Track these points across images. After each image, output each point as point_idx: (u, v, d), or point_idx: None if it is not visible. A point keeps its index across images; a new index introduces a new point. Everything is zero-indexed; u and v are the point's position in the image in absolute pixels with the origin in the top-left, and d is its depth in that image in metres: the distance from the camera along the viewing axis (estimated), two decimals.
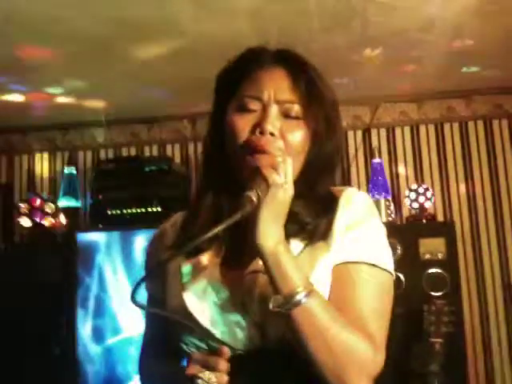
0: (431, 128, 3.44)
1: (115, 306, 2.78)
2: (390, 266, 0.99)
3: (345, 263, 0.95)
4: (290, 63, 1.02)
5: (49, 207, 2.96)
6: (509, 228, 3.25)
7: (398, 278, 2.65)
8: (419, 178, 3.35)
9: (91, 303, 2.80)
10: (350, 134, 3.48)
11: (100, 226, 2.94)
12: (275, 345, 0.93)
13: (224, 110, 1.02)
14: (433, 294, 2.57)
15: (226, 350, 0.90)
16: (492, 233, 3.26)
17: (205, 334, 0.96)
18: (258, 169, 0.89)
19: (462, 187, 3.33)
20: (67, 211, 3.07)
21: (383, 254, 0.98)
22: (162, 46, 2.64)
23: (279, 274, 0.87)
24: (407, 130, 3.46)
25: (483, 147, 3.37)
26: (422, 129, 3.44)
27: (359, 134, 3.47)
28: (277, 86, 0.99)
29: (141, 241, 2.81)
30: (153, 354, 1.14)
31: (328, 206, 0.99)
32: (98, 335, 2.78)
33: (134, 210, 2.91)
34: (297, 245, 0.97)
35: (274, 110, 0.97)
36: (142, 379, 1.16)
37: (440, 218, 3.20)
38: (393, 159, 3.42)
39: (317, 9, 2.32)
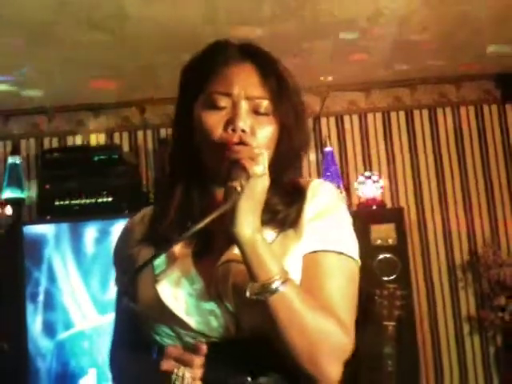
0: (379, 116, 3.52)
1: (66, 300, 2.72)
2: (356, 254, 1.03)
3: (314, 252, 0.98)
4: (258, 58, 1.01)
5: None
6: (453, 213, 3.39)
7: None
8: (367, 165, 3.43)
9: (41, 297, 2.72)
10: None
11: (48, 217, 2.85)
12: (249, 333, 0.94)
13: (191, 106, 1.01)
14: (384, 278, 2.64)
15: (203, 347, 0.90)
16: (437, 217, 3.39)
17: (179, 325, 0.96)
18: (239, 161, 0.90)
19: (409, 174, 3.44)
20: (12, 202, 2.96)
21: (349, 243, 1.01)
22: (107, 31, 2.57)
23: (256, 263, 0.89)
24: (355, 118, 3.53)
25: (428, 135, 3.49)
26: (370, 117, 3.52)
27: (309, 122, 3.50)
28: (246, 82, 0.99)
29: (91, 232, 2.76)
30: (123, 345, 1.12)
31: (296, 196, 1.02)
32: (50, 330, 2.71)
33: (83, 201, 2.84)
34: (269, 233, 0.98)
35: (244, 106, 0.97)
36: (113, 372, 1.14)
37: (388, 204, 3.29)
38: (342, 147, 3.49)
39: None
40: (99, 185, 2.87)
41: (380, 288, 2.48)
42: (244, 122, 0.96)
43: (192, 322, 0.95)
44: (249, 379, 0.94)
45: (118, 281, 1.11)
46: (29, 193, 3.15)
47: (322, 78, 3.35)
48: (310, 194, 1.02)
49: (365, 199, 2.97)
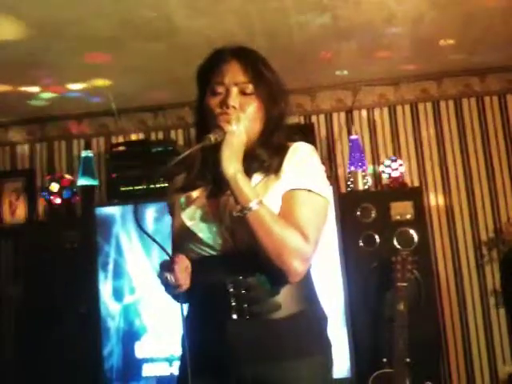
0: (407, 108, 3.84)
1: (131, 269, 3.22)
2: (325, 193, 1.41)
3: (290, 190, 1.39)
4: (242, 56, 1.45)
5: (70, 186, 3.41)
6: (478, 195, 3.67)
7: (372, 236, 3.07)
8: (397, 152, 3.76)
9: (110, 267, 3.24)
10: (335, 115, 3.89)
11: (115, 201, 3.37)
12: (243, 246, 1.37)
13: (202, 95, 1.47)
14: (402, 249, 2.98)
15: (179, 258, 1.34)
16: (463, 197, 3.67)
17: (196, 240, 1.40)
18: (218, 123, 1.38)
19: (435, 158, 3.74)
20: (86, 189, 3.52)
21: (318, 183, 1.41)
22: (162, 42, 3.04)
23: (238, 191, 1.32)
24: (385, 110, 3.86)
25: (454, 124, 3.78)
26: (399, 109, 3.85)
27: (342, 115, 3.88)
28: (234, 73, 1.43)
29: (151, 212, 3.24)
30: None
31: (281, 151, 1.44)
32: (118, 294, 3.22)
33: (144, 186, 3.34)
34: (257, 178, 1.42)
35: (234, 90, 1.42)
36: None
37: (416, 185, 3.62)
38: (373, 137, 3.83)
39: (293, 5, 2.71)
40: (156, 173, 3.36)
41: (395, 255, 2.83)
42: (233, 100, 1.40)
43: (204, 237, 1.40)
44: (240, 278, 1.36)
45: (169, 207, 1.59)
46: (99, 181, 3.70)
47: (352, 76, 3.71)
48: (291, 150, 1.44)
49: (388, 180, 3.30)
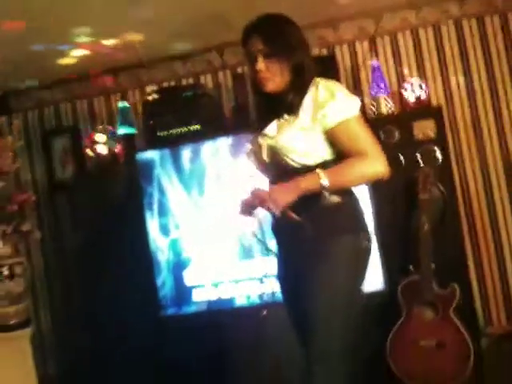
0: (430, 30, 3.86)
1: (173, 207, 3.49)
2: (356, 111, 1.77)
3: (331, 129, 1.76)
4: (260, 29, 1.85)
5: (112, 136, 3.68)
6: (505, 111, 3.71)
7: (397, 156, 3.20)
8: (422, 74, 3.81)
9: (155, 206, 3.51)
10: (358, 44, 3.95)
11: (153, 145, 3.61)
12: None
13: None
14: (426, 166, 3.10)
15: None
16: (490, 115, 3.72)
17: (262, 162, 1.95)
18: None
19: (461, 78, 3.78)
20: (126, 138, 3.77)
21: (349, 108, 1.76)
22: None
23: (310, 190, 1.75)
24: (408, 34, 3.89)
25: (477, 42, 3.79)
26: (421, 32, 3.87)
27: (365, 44, 3.94)
28: (256, 44, 1.84)
29: (187, 153, 3.47)
30: None
31: (303, 90, 1.83)
32: (164, 230, 3.50)
33: (178, 130, 3.56)
34: (286, 116, 1.83)
35: (259, 57, 1.83)
36: None
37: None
38: (397, 61, 3.89)
39: None
40: (190, 116, 3.56)
41: (418, 171, 2.97)
42: (257, 64, 1.81)
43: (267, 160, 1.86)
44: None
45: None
46: (138, 129, 3.94)
47: (374, 2, 3.74)
48: (311, 90, 1.82)
49: (412, 102, 3.39)
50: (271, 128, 1.88)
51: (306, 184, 1.72)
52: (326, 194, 1.72)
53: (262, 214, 1.86)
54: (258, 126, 1.93)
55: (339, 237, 1.76)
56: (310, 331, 1.71)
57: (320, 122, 1.75)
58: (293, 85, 1.83)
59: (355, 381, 1.76)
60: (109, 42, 3.68)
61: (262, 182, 1.94)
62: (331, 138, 1.76)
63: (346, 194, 1.81)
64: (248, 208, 1.82)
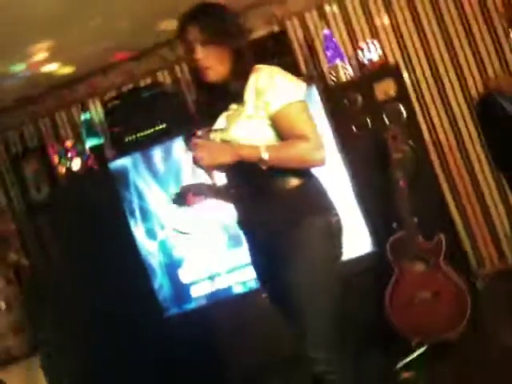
0: None
1: (155, 208, 3.49)
2: (298, 95, 1.77)
3: (275, 113, 1.76)
4: (197, 18, 1.84)
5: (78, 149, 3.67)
6: (461, 55, 3.76)
7: (364, 120, 3.25)
8: (375, 36, 3.82)
9: (137, 212, 3.51)
10: (307, 15, 3.95)
11: (123, 152, 3.58)
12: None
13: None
14: (394, 125, 3.14)
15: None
16: (447, 63, 3.77)
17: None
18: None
19: (414, 34, 3.81)
20: (95, 148, 3.75)
21: (290, 93, 1.76)
22: None
23: (248, 159, 1.76)
24: None
25: None
26: None
27: (315, 13, 3.93)
28: (194, 34, 1.83)
29: (158, 154, 3.47)
30: None
31: (245, 78, 1.83)
32: (150, 234, 3.51)
33: (145, 133, 3.55)
34: (233, 107, 1.82)
35: (197, 46, 1.83)
36: None
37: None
38: (349, 26, 3.89)
39: None
40: (154, 116, 3.55)
41: (386, 132, 3.01)
42: (196, 53, 1.83)
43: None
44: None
45: None
46: (105, 137, 3.90)
47: None
48: (252, 78, 1.82)
49: (368, 65, 3.41)
50: (220, 121, 1.87)
51: (245, 152, 1.75)
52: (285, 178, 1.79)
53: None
54: (207, 122, 1.90)
55: (309, 219, 1.78)
56: (297, 326, 1.80)
57: (263, 109, 1.76)
58: (234, 72, 1.83)
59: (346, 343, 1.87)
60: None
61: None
62: (274, 123, 1.77)
63: (305, 175, 1.82)
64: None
